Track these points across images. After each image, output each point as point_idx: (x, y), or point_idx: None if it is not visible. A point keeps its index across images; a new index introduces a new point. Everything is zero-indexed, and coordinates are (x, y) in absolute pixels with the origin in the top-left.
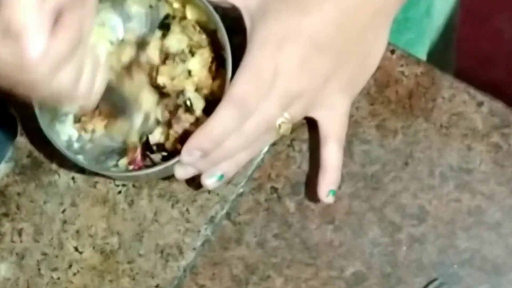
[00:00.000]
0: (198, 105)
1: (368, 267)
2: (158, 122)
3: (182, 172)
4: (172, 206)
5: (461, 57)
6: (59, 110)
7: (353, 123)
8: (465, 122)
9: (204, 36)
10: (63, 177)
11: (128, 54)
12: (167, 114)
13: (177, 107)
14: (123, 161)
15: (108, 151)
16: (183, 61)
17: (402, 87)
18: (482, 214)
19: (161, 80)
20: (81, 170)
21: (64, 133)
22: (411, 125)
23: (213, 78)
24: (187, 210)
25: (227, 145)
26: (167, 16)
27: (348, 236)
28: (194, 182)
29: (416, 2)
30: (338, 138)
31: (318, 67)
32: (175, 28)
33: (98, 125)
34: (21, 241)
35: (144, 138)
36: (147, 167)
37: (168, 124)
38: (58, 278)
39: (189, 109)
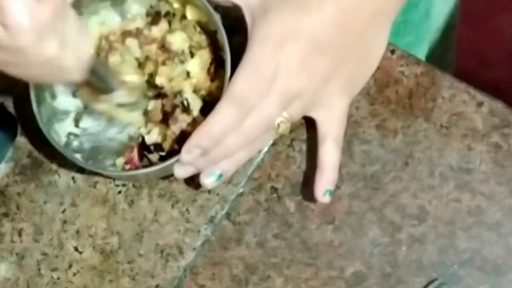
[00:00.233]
0: (196, 105)
1: (368, 267)
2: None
3: (181, 171)
4: (172, 206)
5: (461, 57)
6: (57, 109)
7: (353, 123)
8: (465, 122)
9: (204, 37)
10: (63, 177)
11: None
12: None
13: (174, 107)
14: (120, 161)
15: (106, 151)
16: (182, 62)
17: (402, 87)
18: (482, 214)
19: (159, 80)
20: (81, 170)
21: (63, 132)
22: (411, 125)
23: (212, 79)
24: (187, 210)
25: (227, 143)
26: (167, 13)
27: (348, 236)
28: (194, 182)
29: (415, 5)
30: (336, 138)
31: (318, 67)
32: (176, 26)
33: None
34: (21, 241)
35: (140, 139)
36: (145, 167)
37: (165, 125)
38: (58, 278)
39: (186, 110)
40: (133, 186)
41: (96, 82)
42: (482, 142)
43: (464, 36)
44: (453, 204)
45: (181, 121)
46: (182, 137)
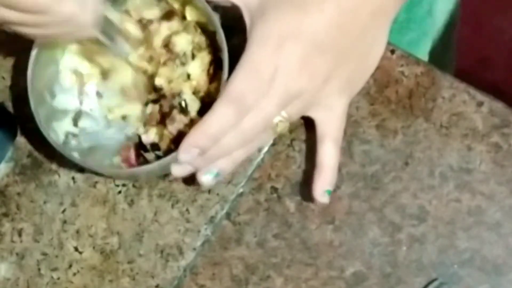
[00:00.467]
0: (193, 106)
1: (368, 267)
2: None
3: (179, 169)
4: (172, 206)
5: (461, 57)
6: (56, 109)
7: (353, 123)
8: (465, 122)
9: (204, 38)
10: (63, 177)
11: None
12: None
13: (172, 108)
14: (117, 159)
15: (104, 150)
16: (183, 64)
17: (402, 87)
18: (482, 214)
19: (159, 82)
20: (81, 170)
21: (61, 131)
22: (411, 125)
23: (211, 80)
24: (187, 210)
25: (225, 142)
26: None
27: (348, 236)
28: (194, 182)
29: (418, 2)
30: (335, 138)
31: (318, 67)
32: (178, 27)
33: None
34: (21, 241)
35: (138, 138)
36: (140, 164)
37: (163, 125)
38: (58, 278)
39: (184, 110)
40: (133, 186)
41: (104, 39)
42: (482, 142)
43: (464, 36)
44: (453, 204)
45: (178, 122)
46: (179, 138)
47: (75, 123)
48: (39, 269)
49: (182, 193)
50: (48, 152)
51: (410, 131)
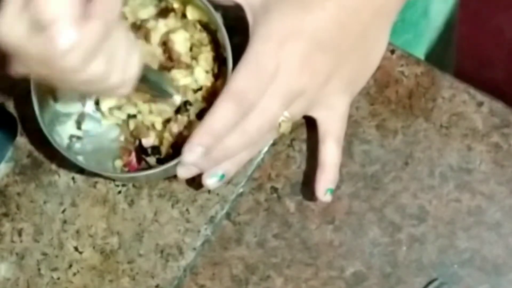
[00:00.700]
0: (195, 108)
1: (368, 267)
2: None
3: (184, 171)
4: (172, 206)
5: (461, 57)
6: (59, 112)
7: (353, 123)
8: (465, 122)
9: (205, 34)
10: (63, 177)
11: None
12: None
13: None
14: (118, 163)
15: (108, 153)
16: (189, 67)
17: (402, 87)
18: (482, 214)
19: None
20: (81, 170)
21: (65, 135)
22: (411, 125)
23: (216, 78)
24: (187, 210)
25: (230, 144)
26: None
27: (348, 236)
28: (194, 182)
29: (413, 4)
30: (337, 137)
31: (319, 65)
32: (177, 24)
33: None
34: (21, 241)
35: (138, 142)
36: (144, 169)
37: (162, 128)
38: (58, 278)
39: (186, 111)
40: (133, 186)
41: (149, 90)
42: (482, 142)
43: (464, 36)
44: (453, 204)
45: (180, 123)
46: (179, 141)
47: (79, 126)
48: (39, 269)
49: (182, 193)
50: (48, 152)
51: (410, 131)
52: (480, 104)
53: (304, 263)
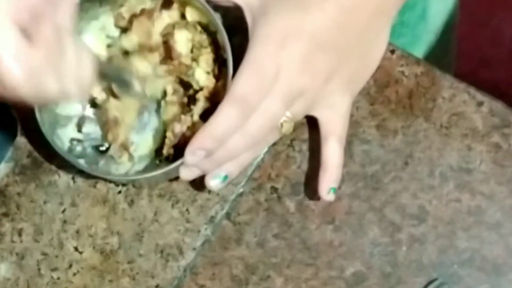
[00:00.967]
0: (200, 105)
1: (368, 267)
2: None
3: (187, 173)
4: (172, 206)
5: (461, 58)
6: (60, 115)
7: (353, 123)
8: (465, 122)
9: (205, 36)
10: (63, 177)
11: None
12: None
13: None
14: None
15: (109, 155)
16: (189, 68)
17: (402, 87)
18: (482, 214)
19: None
20: (81, 170)
21: (66, 138)
22: (411, 125)
23: (217, 79)
24: (187, 210)
25: (232, 145)
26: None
27: (348, 236)
28: (195, 182)
29: (411, 6)
30: (339, 136)
31: (320, 65)
32: (178, 16)
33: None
34: (21, 241)
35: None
36: (144, 172)
37: (165, 129)
38: (58, 278)
39: (189, 111)
40: (133, 186)
41: (111, 83)
42: (482, 142)
43: (464, 36)
44: (453, 204)
45: (183, 124)
46: (182, 142)
47: (79, 129)
48: (39, 269)
49: (182, 193)
50: (48, 152)
51: (410, 131)
52: (480, 104)
53: (304, 263)
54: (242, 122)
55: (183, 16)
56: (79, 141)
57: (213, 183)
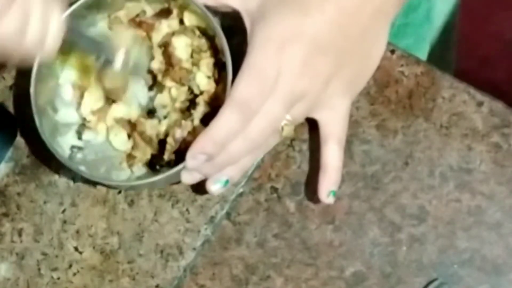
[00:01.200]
0: (198, 113)
1: (368, 267)
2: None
3: (188, 177)
4: (172, 206)
5: (461, 57)
6: (59, 123)
7: (353, 123)
8: (465, 122)
9: (204, 40)
10: (63, 177)
11: None
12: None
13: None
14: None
15: (110, 161)
16: (190, 73)
17: (402, 87)
18: (482, 214)
19: (162, 100)
20: None
21: (66, 145)
22: (411, 125)
23: (217, 82)
24: (187, 210)
25: (233, 149)
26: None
27: (348, 236)
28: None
29: (415, 7)
30: (339, 138)
31: (320, 68)
32: (177, 25)
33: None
34: (21, 241)
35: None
36: (145, 177)
37: (165, 134)
38: (58, 278)
39: (190, 116)
40: (134, 191)
41: (80, 44)
42: (482, 142)
43: (464, 36)
44: (453, 204)
45: (183, 129)
46: (183, 146)
47: (79, 136)
48: (39, 269)
49: (182, 193)
50: (48, 152)
51: (410, 131)
52: (480, 104)
53: (304, 263)
54: (243, 126)
55: (181, 21)
56: (79, 148)
57: (214, 188)
